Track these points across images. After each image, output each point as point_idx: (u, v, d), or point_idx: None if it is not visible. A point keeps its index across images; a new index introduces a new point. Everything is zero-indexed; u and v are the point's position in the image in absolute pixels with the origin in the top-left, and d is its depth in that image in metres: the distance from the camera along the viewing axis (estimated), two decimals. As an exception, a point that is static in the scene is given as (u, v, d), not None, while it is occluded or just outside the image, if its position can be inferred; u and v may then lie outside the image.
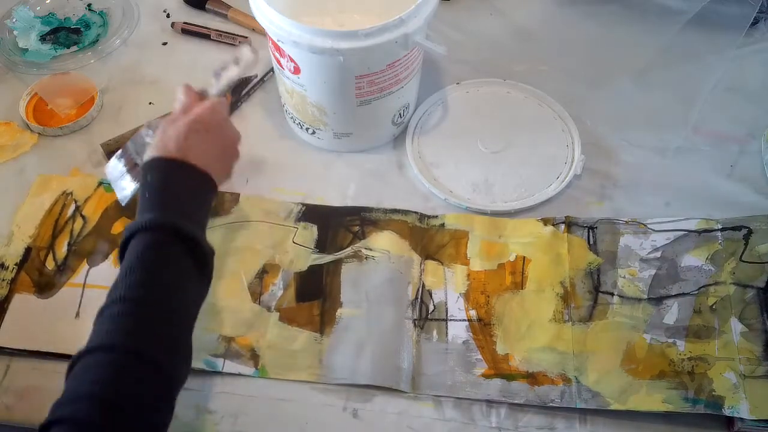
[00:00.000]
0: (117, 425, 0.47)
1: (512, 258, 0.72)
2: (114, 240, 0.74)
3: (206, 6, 0.98)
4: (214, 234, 0.74)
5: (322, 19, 0.85)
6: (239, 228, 0.75)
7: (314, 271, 0.72)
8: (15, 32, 0.96)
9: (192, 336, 0.57)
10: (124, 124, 0.84)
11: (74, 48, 0.95)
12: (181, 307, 0.56)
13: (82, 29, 0.97)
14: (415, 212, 0.76)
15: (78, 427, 0.46)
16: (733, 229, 0.72)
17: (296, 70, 0.72)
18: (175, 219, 0.57)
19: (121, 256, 0.57)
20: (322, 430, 0.63)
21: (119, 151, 0.73)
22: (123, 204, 0.72)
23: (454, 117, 0.85)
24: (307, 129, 0.81)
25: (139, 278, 0.54)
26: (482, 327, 0.67)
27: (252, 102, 0.88)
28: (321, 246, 0.73)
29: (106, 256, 0.73)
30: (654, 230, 0.73)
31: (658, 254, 0.71)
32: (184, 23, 0.96)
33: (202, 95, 0.69)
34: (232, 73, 0.70)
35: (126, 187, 0.71)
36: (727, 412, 0.60)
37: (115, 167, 0.73)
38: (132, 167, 0.73)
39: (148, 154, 0.62)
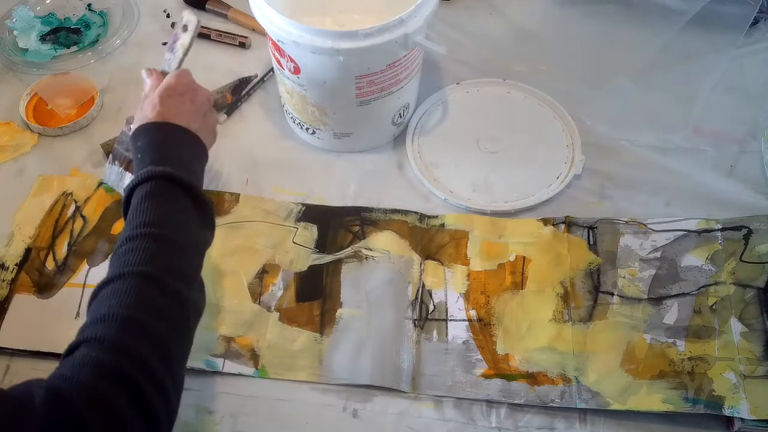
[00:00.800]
0: (141, 341, 0.48)
1: (512, 258, 0.72)
2: (114, 240, 0.74)
3: (206, 6, 0.98)
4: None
5: (322, 19, 0.85)
6: (239, 228, 0.75)
7: (314, 271, 0.72)
8: (15, 32, 0.96)
9: (201, 275, 0.57)
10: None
11: (74, 48, 0.95)
12: (189, 243, 0.57)
13: (82, 29, 0.97)
14: (415, 212, 0.76)
15: (104, 345, 0.47)
16: (733, 229, 0.72)
17: (296, 70, 0.72)
18: (170, 169, 0.58)
19: (125, 215, 0.58)
20: (322, 430, 0.63)
21: (110, 156, 0.74)
22: None
23: (454, 117, 0.85)
24: (307, 129, 0.81)
25: (146, 219, 0.55)
26: (482, 327, 0.67)
27: (252, 102, 0.88)
28: (321, 246, 0.73)
29: (106, 256, 0.73)
30: (654, 230, 0.73)
31: (658, 254, 0.71)
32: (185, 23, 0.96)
33: (164, 73, 0.70)
34: (185, 41, 0.71)
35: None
36: (727, 412, 0.60)
37: (111, 172, 0.74)
38: (128, 165, 0.73)
39: (132, 127, 0.64)
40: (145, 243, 0.53)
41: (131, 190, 0.58)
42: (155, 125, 0.62)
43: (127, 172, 0.73)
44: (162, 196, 0.57)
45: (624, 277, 0.70)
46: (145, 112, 0.64)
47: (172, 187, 0.58)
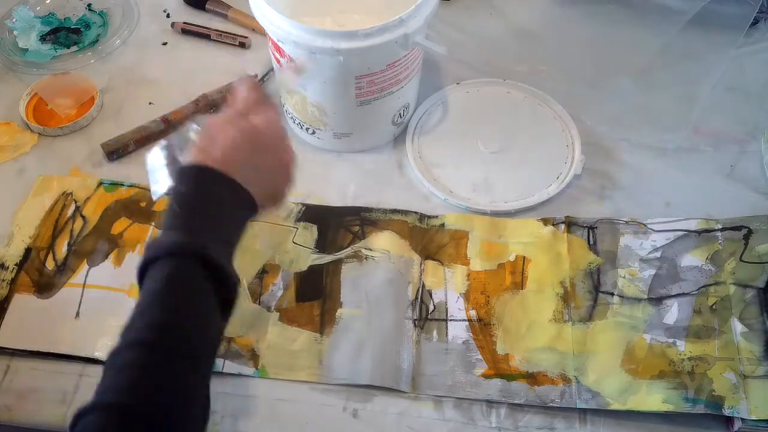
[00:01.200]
0: None
1: (512, 258, 0.72)
2: (114, 240, 0.74)
3: (206, 6, 0.98)
4: (214, 234, 0.74)
5: (322, 19, 0.85)
6: (239, 228, 0.75)
7: (314, 271, 0.72)
8: (15, 32, 0.96)
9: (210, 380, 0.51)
10: (124, 124, 0.84)
11: (74, 48, 0.95)
12: (201, 350, 0.49)
13: (82, 29, 0.97)
14: (415, 212, 0.76)
15: None
16: (733, 229, 0.72)
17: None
18: (203, 243, 0.50)
19: (140, 280, 0.50)
20: (322, 430, 0.63)
21: (164, 142, 0.64)
22: (154, 199, 0.63)
23: (454, 117, 0.85)
24: (307, 129, 0.81)
25: (158, 318, 0.47)
26: (482, 327, 0.67)
27: (252, 102, 0.88)
28: (321, 246, 0.73)
29: (106, 256, 0.73)
30: (654, 230, 0.73)
31: (658, 254, 0.71)
32: (184, 23, 0.96)
33: (263, 96, 0.60)
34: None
35: (161, 181, 0.62)
36: (727, 412, 0.60)
37: (157, 157, 0.64)
38: (171, 162, 0.65)
39: (187, 157, 0.55)
40: (148, 357, 0.46)
41: (154, 257, 0.49)
42: (212, 177, 0.52)
43: (166, 170, 0.62)
44: (184, 285, 0.49)
45: (624, 277, 0.70)
46: (212, 148, 0.53)
47: (198, 273, 0.49)
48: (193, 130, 0.62)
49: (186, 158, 0.55)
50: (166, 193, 0.60)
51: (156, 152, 0.64)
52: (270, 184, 0.57)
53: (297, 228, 0.75)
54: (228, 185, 0.53)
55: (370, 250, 0.73)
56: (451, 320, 0.68)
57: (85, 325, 0.68)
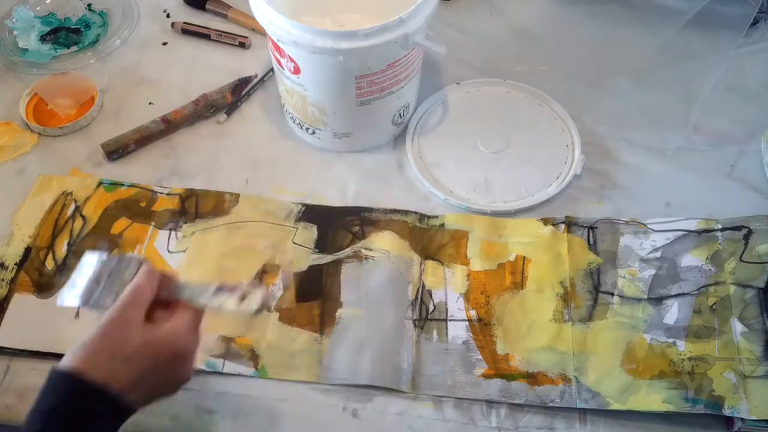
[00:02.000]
0: None
1: (512, 258, 0.72)
2: (114, 240, 0.74)
3: (206, 6, 0.98)
4: (214, 234, 0.74)
5: (322, 19, 0.85)
6: (239, 228, 0.75)
7: (314, 271, 0.72)
8: (15, 32, 0.96)
9: None
10: (124, 124, 0.84)
11: (74, 48, 0.95)
12: None
13: (82, 29, 0.97)
14: (415, 212, 0.76)
15: None
16: (733, 229, 0.72)
17: (296, 70, 0.72)
18: None
19: None
20: (322, 430, 0.63)
21: (104, 256, 0.57)
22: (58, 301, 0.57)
23: (454, 117, 0.85)
24: (307, 129, 0.81)
25: None
26: (482, 327, 0.67)
27: (252, 102, 0.88)
28: (321, 246, 0.73)
29: (106, 256, 0.73)
30: (654, 230, 0.73)
31: (658, 254, 0.71)
32: (184, 23, 0.96)
33: (176, 287, 0.54)
34: (229, 305, 0.54)
35: (77, 287, 0.56)
36: (727, 412, 0.60)
37: (87, 266, 0.57)
38: (94, 279, 0.56)
39: (71, 359, 0.47)
40: None
41: None
42: (88, 393, 0.45)
43: (83, 281, 0.56)
44: None
45: (624, 277, 0.70)
46: (102, 353, 0.46)
47: None
48: (128, 271, 0.54)
49: (69, 359, 0.47)
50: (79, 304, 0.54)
51: (89, 260, 0.57)
52: (152, 394, 0.51)
53: (297, 228, 0.75)
54: (105, 405, 0.46)
55: (370, 250, 0.73)
56: (451, 320, 0.68)
57: (85, 325, 0.68)
